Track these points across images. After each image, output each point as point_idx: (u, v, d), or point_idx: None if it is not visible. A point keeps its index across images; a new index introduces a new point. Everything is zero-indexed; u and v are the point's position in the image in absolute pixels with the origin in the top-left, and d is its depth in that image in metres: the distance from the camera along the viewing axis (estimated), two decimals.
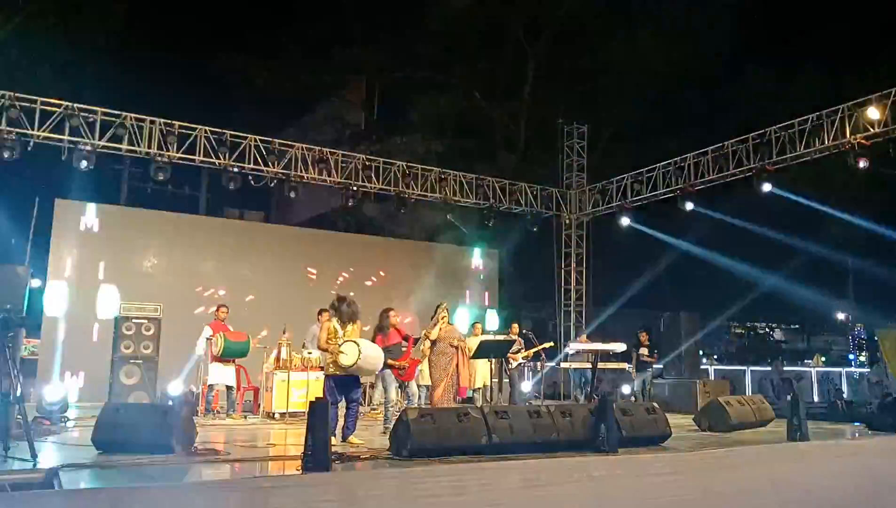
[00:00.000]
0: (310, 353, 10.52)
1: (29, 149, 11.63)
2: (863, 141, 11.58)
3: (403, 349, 8.64)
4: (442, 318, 9.52)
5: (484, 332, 12.01)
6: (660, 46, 20.76)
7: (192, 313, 12.12)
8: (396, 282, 15.23)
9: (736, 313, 17.73)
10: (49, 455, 5.99)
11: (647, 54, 20.95)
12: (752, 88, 20.86)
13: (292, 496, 4.53)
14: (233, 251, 13.71)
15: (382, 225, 15.41)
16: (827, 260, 17.43)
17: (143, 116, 12.45)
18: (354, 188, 14.08)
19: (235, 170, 12.98)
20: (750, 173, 13.12)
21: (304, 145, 13.83)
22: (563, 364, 13.41)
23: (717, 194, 14.26)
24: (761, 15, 20.92)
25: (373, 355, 7.19)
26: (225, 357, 10.00)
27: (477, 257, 16.68)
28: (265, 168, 13.31)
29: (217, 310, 10.39)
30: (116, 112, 12.22)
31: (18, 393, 5.82)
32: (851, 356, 16.00)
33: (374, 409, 10.66)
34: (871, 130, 11.48)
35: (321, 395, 9.42)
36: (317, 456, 5.06)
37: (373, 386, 10.55)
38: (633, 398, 12.44)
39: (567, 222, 17.32)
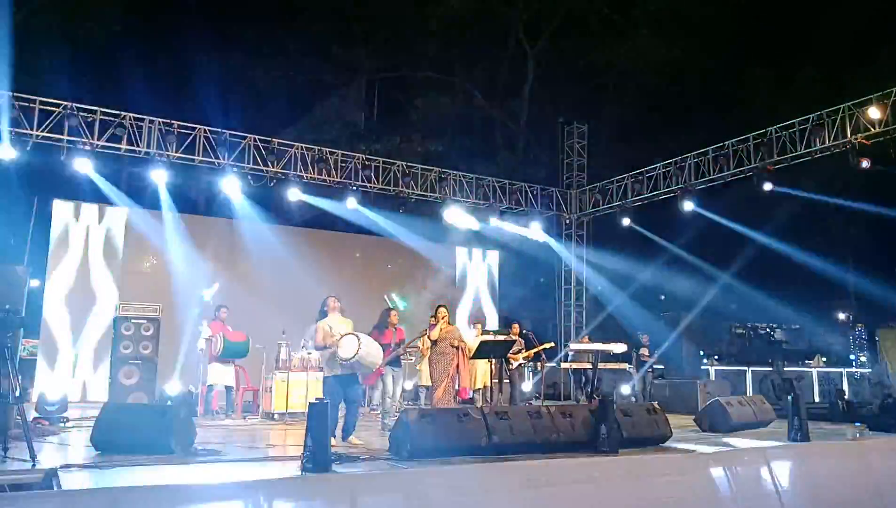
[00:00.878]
0: (309, 353, 10.51)
1: (28, 149, 11.62)
2: (863, 141, 11.57)
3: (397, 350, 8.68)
4: (442, 318, 9.52)
5: (484, 332, 11.99)
6: (660, 46, 20.75)
7: (192, 314, 12.09)
8: (396, 282, 15.22)
9: (736, 314, 17.68)
10: (48, 455, 5.97)
11: (648, 54, 20.94)
12: (752, 88, 20.84)
13: (292, 496, 4.51)
14: (232, 251, 13.69)
15: (382, 225, 15.39)
16: (827, 260, 17.40)
17: (142, 116, 12.43)
18: (354, 188, 14.07)
19: (235, 170, 12.97)
20: (751, 173, 13.12)
21: (303, 145, 13.82)
22: (563, 365, 13.40)
23: (718, 193, 14.25)
24: (762, 14, 20.90)
25: (373, 350, 7.19)
26: (224, 358, 9.98)
27: (477, 257, 16.66)
28: (264, 168, 13.31)
29: (216, 310, 10.37)
30: (115, 112, 12.21)
31: (17, 394, 5.80)
32: (852, 357, 15.98)
33: (374, 409, 10.65)
34: (872, 129, 11.47)
35: (321, 395, 9.44)
36: (316, 457, 5.05)
37: (373, 387, 10.53)
38: (633, 399, 12.43)
39: (567, 221, 17.31)
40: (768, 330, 15.74)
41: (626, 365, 12.74)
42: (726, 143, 13.66)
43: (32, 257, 12.27)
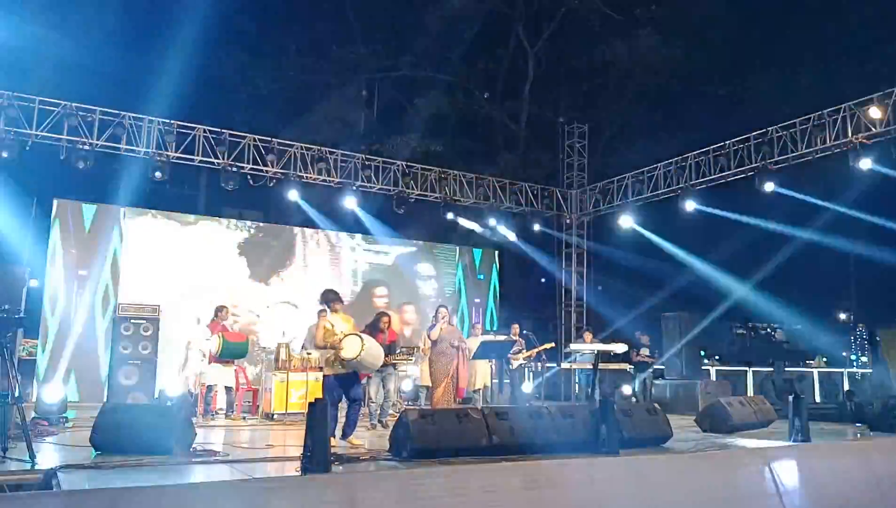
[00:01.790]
0: (309, 353, 10.50)
1: (27, 148, 11.60)
2: (864, 141, 11.56)
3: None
4: (442, 318, 9.53)
5: (484, 332, 11.98)
6: (660, 45, 20.74)
7: (191, 314, 12.08)
8: (396, 282, 15.21)
9: (737, 314, 17.65)
10: (47, 455, 5.95)
11: (648, 53, 20.93)
12: (752, 88, 20.82)
13: (292, 497, 4.50)
14: (232, 251, 13.69)
15: (382, 225, 15.39)
16: (829, 259, 17.39)
17: (142, 116, 12.42)
18: (354, 188, 14.06)
19: (234, 169, 12.96)
20: (751, 173, 13.11)
21: (303, 145, 13.81)
22: (563, 365, 13.38)
23: (720, 192, 14.24)
24: (762, 14, 20.89)
25: (374, 351, 7.20)
26: (224, 358, 9.97)
27: (477, 258, 16.65)
28: (264, 168, 13.30)
29: (216, 311, 10.35)
30: (115, 111, 12.20)
31: (17, 394, 5.78)
32: (853, 357, 15.97)
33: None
34: (873, 129, 11.46)
35: (320, 395, 9.44)
36: (316, 457, 5.03)
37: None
38: (633, 399, 12.41)
39: (567, 221, 17.30)
40: (769, 330, 15.72)
41: (626, 365, 12.73)
42: (727, 142, 13.66)
43: (32, 256, 12.26)
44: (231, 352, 10.03)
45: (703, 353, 15.27)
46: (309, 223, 14.69)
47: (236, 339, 10.19)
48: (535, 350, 11.58)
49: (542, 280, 20.33)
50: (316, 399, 5.46)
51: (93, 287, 12.37)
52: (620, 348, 11.27)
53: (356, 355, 6.90)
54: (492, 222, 15.77)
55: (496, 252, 17.00)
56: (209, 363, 9.93)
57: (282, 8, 20.98)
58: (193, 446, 6.34)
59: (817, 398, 14.29)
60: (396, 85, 22.41)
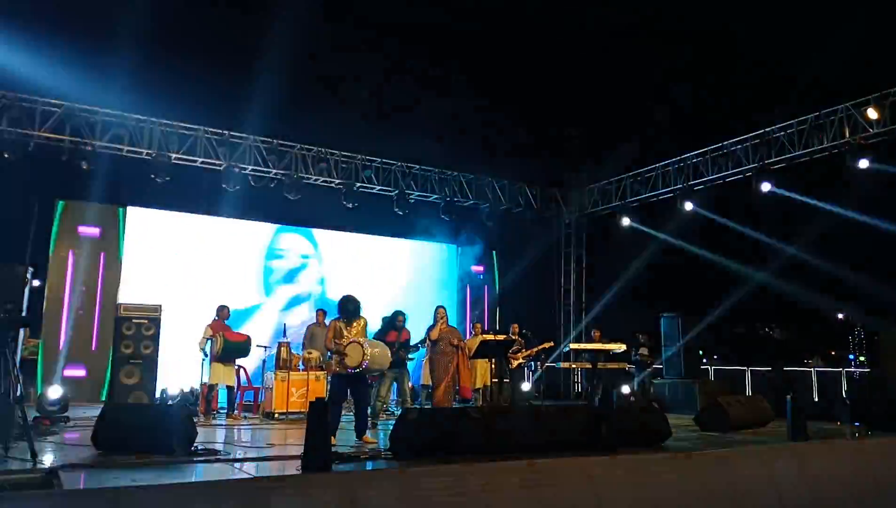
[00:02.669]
0: (309, 353, 10.53)
1: (30, 149, 11.63)
2: (862, 141, 11.58)
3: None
4: (441, 318, 9.56)
5: (484, 332, 12.01)
6: (660, 45, 20.76)
7: (193, 314, 12.11)
8: (396, 282, 15.22)
9: (736, 313, 17.68)
10: (49, 455, 5.98)
11: (648, 53, 20.94)
12: (752, 88, 20.86)
13: (292, 496, 4.52)
14: (233, 251, 13.72)
15: (382, 224, 15.42)
16: (827, 259, 17.40)
17: (144, 117, 12.45)
18: (355, 188, 14.09)
19: (236, 170, 12.99)
20: (749, 173, 13.13)
21: (304, 145, 13.84)
22: (563, 364, 13.39)
23: (717, 193, 14.27)
24: (762, 13, 20.90)
25: (378, 356, 7.26)
26: (225, 357, 10.00)
27: (477, 257, 16.67)
28: (265, 168, 13.33)
29: (218, 310, 10.38)
30: (117, 112, 12.23)
31: (18, 393, 5.82)
32: (851, 356, 16.01)
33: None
34: (871, 130, 11.48)
35: (321, 395, 9.51)
36: (317, 456, 5.06)
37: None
38: (632, 399, 12.44)
39: (567, 221, 17.32)
40: (768, 330, 15.75)
41: (626, 365, 12.76)
42: (725, 143, 13.69)
43: (34, 257, 12.27)
44: (232, 351, 10.07)
45: (701, 352, 15.30)
46: (309, 223, 14.71)
47: (237, 338, 10.23)
48: (535, 350, 11.61)
49: (542, 280, 20.32)
50: (317, 399, 5.49)
51: (95, 287, 12.40)
52: (620, 347, 11.32)
53: (358, 363, 7.02)
54: (491, 221, 15.79)
55: (495, 252, 17.02)
56: (211, 362, 9.97)
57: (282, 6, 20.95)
58: (194, 445, 6.37)
59: (815, 398, 14.31)
60: (397, 85, 22.40)
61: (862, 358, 15.31)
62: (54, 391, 8.78)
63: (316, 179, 13.86)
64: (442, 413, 6.67)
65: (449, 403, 9.38)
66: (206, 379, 10.03)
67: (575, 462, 5.91)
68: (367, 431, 7.55)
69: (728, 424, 8.64)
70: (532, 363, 12.26)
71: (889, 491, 7.06)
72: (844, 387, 14.25)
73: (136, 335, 10.80)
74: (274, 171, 13.40)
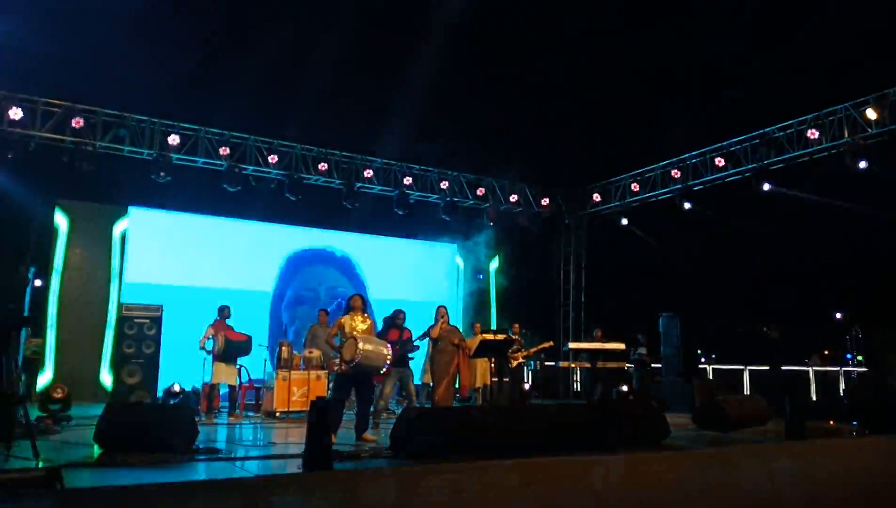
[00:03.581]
0: (310, 353, 10.57)
1: (31, 149, 11.66)
2: (861, 141, 11.61)
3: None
4: (442, 317, 9.59)
5: (484, 332, 12.04)
6: (660, 45, 20.74)
7: (194, 314, 12.14)
8: (397, 282, 15.25)
9: (734, 313, 17.72)
10: (51, 454, 6.02)
11: (648, 53, 20.93)
12: (752, 88, 20.84)
13: (293, 494, 4.55)
14: (234, 251, 13.75)
15: (382, 224, 15.45)
16: (826, 258, 17.43)
17: (145, 117, 12.48)
18: (355, 188, 14.12)
19: (236, 170, 13.02)
20: (749, 173, 13.16)
21: (304, 145, 13.87)
22: (562, 364, 13.43)
23: (716, 193, 14.30)
24: (761, 13, 20.89)
25: (373, 354, 7.27)
26: (226, 357, 10.03)
27: (477, 257, 16.70)
28: (266, 168, 13.36)
29: (219, 310, 10.42)
30: (118, 112, 12.26)
31: (21, 393, 5.85)
32: (849, 356, 16.02)
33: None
34: (870, 130, 11.51)
35: (322, 394, 9.55)
36: (317, 455, 5.10)
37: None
38: (631, 398, 12.48)
39: (567, 221, 17.35)
40: (766, 329, 15.78)
41: (625, 364, 12.80)
42: (725, 143, 13.71)
43: (36, 257, 12.30)
44: (234, 351, 10.10)
45: (700, 352, 15.34)
46: (311, 223, 14.74)
47: (238, 338, 10.26)
48: (535, 349, 11.64)
49: (542, 280, 20.35)
50: (317, 398, 5.53)
51: (96, 287, 12.44)
52: (619, 347, 11.35)
53: (351, 357, 7.05)
54: (491, 222, 15.82)
55: (495, 252, 17.06)
56: (212, 361, 10.00)
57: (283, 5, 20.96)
58: (196, 444, 6.41)
59: (813, 397, 14.34)
60: (397, 85, 22.41)
61: (860, 357, 15.29)
62: (57, 391, 8.81)
63: (316, 179, 13.90)
64: (442, 413, 6.70)
65: (449, 402, 9.41)
66: (207, 378, 10.07)
67: (575, 461, 5.94)
68: (369, 430, 7.59)
69: (727, 423, 8.67)
70: (532, 362, 12.29)
71: (886, 490, 7.08)
72: (842, 386, 14.29)
73: (137, 335, 10.84)
74: (274, 171, 13.43)
